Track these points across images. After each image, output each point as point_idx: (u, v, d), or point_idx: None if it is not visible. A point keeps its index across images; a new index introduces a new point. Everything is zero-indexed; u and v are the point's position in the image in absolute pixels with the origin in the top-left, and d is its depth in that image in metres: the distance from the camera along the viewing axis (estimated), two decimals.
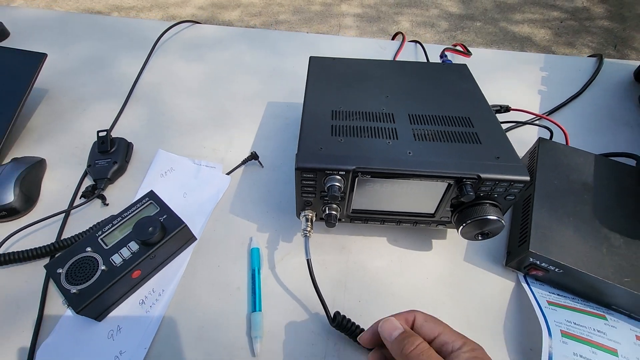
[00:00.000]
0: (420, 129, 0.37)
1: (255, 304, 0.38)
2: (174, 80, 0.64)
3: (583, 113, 0.61)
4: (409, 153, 0.34)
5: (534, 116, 0.56)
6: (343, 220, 0.40)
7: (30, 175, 0.47)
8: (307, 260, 0.36)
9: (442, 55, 0.63)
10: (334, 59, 0.49)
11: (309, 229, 0.37)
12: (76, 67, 0.66)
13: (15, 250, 0.41)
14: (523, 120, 0.56)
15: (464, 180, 0.33)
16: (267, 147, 0.54)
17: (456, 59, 0.68)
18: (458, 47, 0.67)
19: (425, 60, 0.66)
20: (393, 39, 0.76)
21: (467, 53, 0.64)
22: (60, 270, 0.36)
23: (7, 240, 0.41)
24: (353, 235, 0.44)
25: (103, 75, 0.65)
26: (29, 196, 0.46)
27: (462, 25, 2.30)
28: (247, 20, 2.30)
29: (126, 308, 0.38)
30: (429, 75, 0.47)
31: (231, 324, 0.37)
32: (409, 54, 0.71)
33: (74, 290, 0.35)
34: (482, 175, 0.32)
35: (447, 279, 0.41)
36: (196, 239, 0.43)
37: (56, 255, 0.40)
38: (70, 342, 0.36)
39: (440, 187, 0.34)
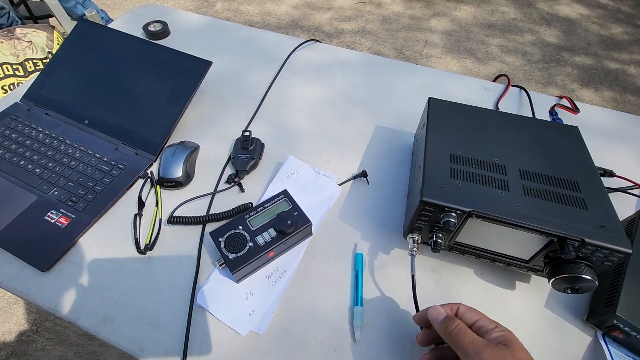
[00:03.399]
0: (530, 185, 0.43)
1: (357, 299, 0.47)
2: (297, 94, 0.75)
3: None
4: (519, 206, 0.40)
5: (638, 186, 0.58)
6: (443, 247, 0.47)
7: (192, 157, 0.60)
8: (412, 275, 0.44)
9: (553, 113, 0.66)
10: (450, 102, 0.56)
11: (415, 249, 0.45)
12: (219, 69, 0.79)
13: (181, 215, 0.54)
14: (624, 186, 0.58)
15: (568, 240, 0.38)
16: (372, 166, 0.62)
17: (563, 112, 0.70)
18: (564, 101, 0.69)
19: (530, 109, 0.69)
20: (495, 80, 0.80)
21: (575, 110, 0.66)
22: (221, 239, 0.48)
23: (180, 206, 0.55)
24: (444, 260, 0.51)
25: (240, 80, 0.78)
26: (189, 174, 0.59)
27: (558, 57, 2.19)
28: (336, 25, 2.40)
29: (257, 278, 0.49)
30: (540, 132, 0.51)
31: (336, 311, 0.46)
32: (513, 99, 0.74)
33: (231, 257, 0.46)
34: (587, 240, 0.37)
35: (524, 321, 0.46)
36: (312, 234, 0.53)
37: (213, 228, 0.52)
38: (218, 293, 0.47)
39: (542, 240, 0.40)
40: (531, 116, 0.67)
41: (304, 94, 0.75)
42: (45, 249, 0.51)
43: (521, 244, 0.42)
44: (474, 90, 0.75)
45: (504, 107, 0.71)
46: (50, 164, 0.60)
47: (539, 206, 0.40)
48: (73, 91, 0.69)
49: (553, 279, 0.41)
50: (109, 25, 0.81)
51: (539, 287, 0.48)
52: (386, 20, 2.45)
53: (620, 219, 0.53)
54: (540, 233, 0.39)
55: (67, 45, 0.72)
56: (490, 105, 0.72)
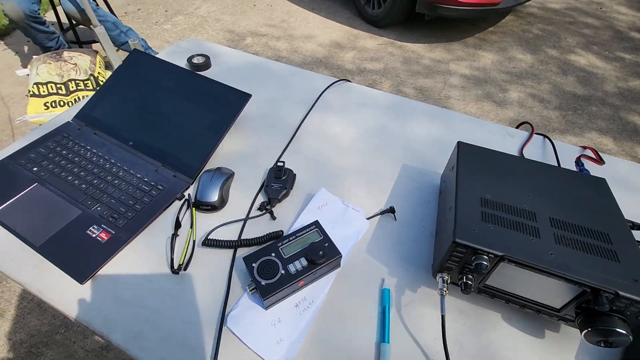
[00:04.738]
0: (561, 234, 0.44)
1: (385, 335, 0.47)
2: (328, 129, 0.79)
3: None
4: (551, 254, 0.41)
5: None
6: (473, 289, 0.47)
7: (227, 183, 0.64)
8: (442, 316, 0.44)
9: (579, 163, 0.68)
10: (479, 147, 0.58)
11: (445, 289, 0.46)
12: (256, 101, 0.84)
13: (215, 238, 0.56)
14: None
15: (602, 292, 0.38)
16: (399, 203, 0.64)
17: (589, 163, 0.71)
18: (588, 151, 0.71)
19: (554, 158, 0.71)
20: (518, 127, 0.82)
21: (601, 161, 0.68)
22: (254, 265, 0.49)
23: (215, 230, 0.57)
24: (472, 302, 0.51)
25: (275, 113, 0.82)
26: (224, 199, 0.62)
27: (576, 105, 2.23)
28: (358, 63, 2.51)
29: (285, 306, 0.50)
30: (568, 182, 0.53)
31: (363, 347, 0.46)
32: (537, 146, 0.76)
33: (263, 283, 0.47)
34: (621, 293, 0.37)
35: None
36: (340, 266, 0.54)
37: (244, 253, 0.54)
38: (247, 319, 0.48)
39: (574, 290, 0.40)
40: (556, 165, 0.69)
41: (334, 130, 0.79)
42: (84, 262, 0.53)
43: (553, 292, 0.42)
44: (498, 136, 0.78)
45: (528, 154, 0.73)
46: (95, 181, 0.63)
47: (571, 255, 0.41)
48: (120, 114, 0.74)
49: (586, 330, 0.40)
50: (156, 56, 0.88)
51: (570, 337, 0.47)
52: (407, 61, 2.55)
53: None
54: (573, 283, 0.39)
55: (119, 72, 0.79)
56: (514, 152, 0.74)
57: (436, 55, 2.62)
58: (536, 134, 0.79)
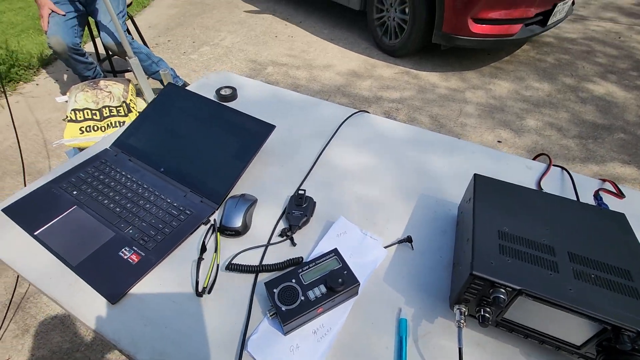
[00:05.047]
0: (580, 269, 0.44)
1: None
2: (347, 158, 0.82)
3: None
4: (570, 290, 0.41)
5: None
6: (490, 323, 0.47)
7: (251, 209, 0.67)
8: (459, 349, 0.45)
9: (598, 197, 0.68)
10: (496, 180, 0.59)
11: (463, 321, 0.46)
12: (278, 131, 0.89)
13: (238, 263, 0.58)
14: None
15: (623, 330, 0.38)
16: (416, 233, 0.65)
17: (608, 196, 0.71)
18: (608, 184, 0.71)
19: (573, 191, 0.71)
20: (535, 158, 0.83)
21: (621, 195, 0.68)
22: (275, 290, 0.51)
23: (238, 255, 0.60)
24: (489, 336, 0.51)
25: (296, 142, 0.86)
26: (247, 224, 0.65)
27: (596, 134, 2.20)
28: (375, 91, 2.58)
29: (303, 333, 0.51)
30: (587, 216, 0.53)
31: None
32: (555, 178, 0.77)
33: (284, 309, 0.49)
34: None
35: None
36: (357, 294, 0.56)
37: (265, 278, 0.56)
38: (267, 343, 0.50)
39: (594, 327, 0.40)
40: (574, 198, 0.69)
41: (353, 159, 0.82)
42: (116, 282, 0.56)
43: (572, 328, 0.42)
44: (515, 168, 0.79)
45: (546, 186, 0.74)
46: (128, 205, 0.68)
47: (591, 291, 0.41)
48: (154, 142, 0.80)
49: None
50: (187, 88, 0.95)
51: None
52: (423, 89, 2.60)
53: None
54: (593, 319, 0.39)
55: (154, 104, 0.85)
56: (532, 184, 0.75)
57: (452, 84, 2.66)
58: (554, 165, 0.79)
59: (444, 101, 2.48)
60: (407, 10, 2.59)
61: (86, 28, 2.12)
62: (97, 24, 1.96)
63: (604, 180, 0.74)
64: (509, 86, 2.63)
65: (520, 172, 0.78)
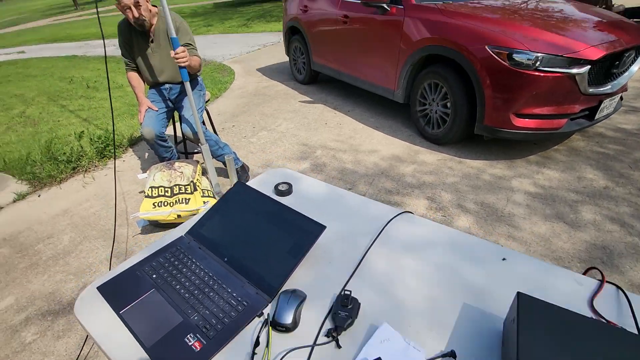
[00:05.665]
0: None
1: None
2: (390, 260, 0.87)
3: None
4: None
5: None
6: None
7: (301, 306, 0.73)
8: None
9: None
10: (542, 302, 0.60)
11: None
12: (329, 228, 0.98)
13: None
14: None
15: None
16: (460, 346, 0.65)
17: None
18: None
19: (631, 314, 0.68)
20: (585, 273, 0.81)
21: None
22: None
23: (285, 355, 0.65)
24: None
25: (344, 240, 0.94)
26: (297, 321, 0.71)
27: None
28: (418, 176, 2.67)
29: None
30: None
31: None
32: (609, 297, 0.74)
33: None
34: None
35: None
36: None
37: None
38: None
39: None
40: (634, 326, 0.66)
41: (396, 261, 0.87)
42: None
43: None
44: (564, 282, 0.78)
45: (599, 306, 0.71)
46: (196, 292, 0.78)
47: None
48: (220, 234, 0.92)
49: None
50: (250, 184, 1.10)
51: None
52: (467, 176, 2.64)
53: None
54: None
55: (224, 199, 1.01)
56: (582, 301, 0.73)
57: (497, 171, 2.68)
58: (607, 282, 0.77)
59: (490, 188, 2.48)
60: (448, 105, 2.78)
61: None
62: (180, 117, 2.37)
63: None
64: (560, 176, 2.58)
65: (570, 288, 0.77)
